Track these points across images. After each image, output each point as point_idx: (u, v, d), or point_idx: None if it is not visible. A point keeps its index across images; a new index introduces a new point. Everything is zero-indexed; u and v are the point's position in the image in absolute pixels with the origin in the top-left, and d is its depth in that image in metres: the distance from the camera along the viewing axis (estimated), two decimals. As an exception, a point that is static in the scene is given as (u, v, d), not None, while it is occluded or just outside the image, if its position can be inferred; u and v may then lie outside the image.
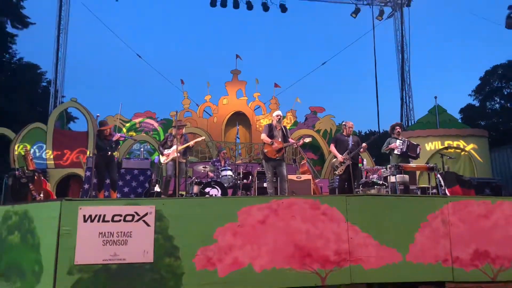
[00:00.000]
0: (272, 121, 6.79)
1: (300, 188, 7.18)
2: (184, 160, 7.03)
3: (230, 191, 8.06)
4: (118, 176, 7.34)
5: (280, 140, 6.53)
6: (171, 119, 14.24)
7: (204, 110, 15.25)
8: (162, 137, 13.37)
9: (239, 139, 15.30)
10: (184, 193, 8.06)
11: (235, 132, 14.64)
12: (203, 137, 7.49)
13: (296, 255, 4.47)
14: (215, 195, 7.42)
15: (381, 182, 6.98)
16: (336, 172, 6.83)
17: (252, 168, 8.84)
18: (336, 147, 6.91)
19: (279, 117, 6.63)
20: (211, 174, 8.38)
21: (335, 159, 6.88)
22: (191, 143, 7.02)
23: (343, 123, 7.17)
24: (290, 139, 6.75)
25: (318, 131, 14.87)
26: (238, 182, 7.92)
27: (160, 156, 7.06)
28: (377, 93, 15.60)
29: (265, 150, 6.50)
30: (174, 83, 16.56)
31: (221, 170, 8.10)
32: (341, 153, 6.76)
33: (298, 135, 14.44)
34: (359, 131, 25.21)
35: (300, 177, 7.40)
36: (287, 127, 9.47)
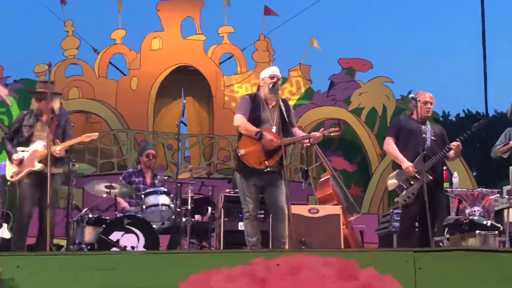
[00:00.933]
0: (259, 88, 6.91)
1: (318, 233, 7.29)
2: (60, 171, 7.07)
3: (164, 239, 8.14)
4: None
5: (275, 130, 6.64)
6: (36, 81, 13.78)
7: (110, 63, 15.15)
8: (13, 119, 12.81)
9: (186, 127, 15.29)
10: (64, 243, 8.07)
11: (177, 111, 14.38)
12: (95, 134, 7.33)
13: None
14: (134, 247, 7.50)
15: (489, 223, 7.14)
16: (399, 200, 6.95)
17: (214, 190, 8.95)
18: (398, 145, 7.04)
19: (274, 79, 6.72)
20: (123, 204, 8.47)
21: (396, 172, 6.98)
22: (75, 140, 7.04)
23: (411, 95, 7.26)
24: (295, 129, 6.85)
25: (357, 111, 14.99)
26: (184, 219, 8.03)
27: (7, 162, 7.07)
28: (484, 33, 15.70)
29: (242, 152, 6.57)
30: (43, 1, 16.37)
31: (146, 194, 8.19)
32: (410, 159, 6.87)
33: (314, 120, 14.61)
34: (444, 113, 25.34)
35: (317, 211, 7.53)
36: (291, 103, 9.38)
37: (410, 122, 7.06)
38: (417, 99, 7.02)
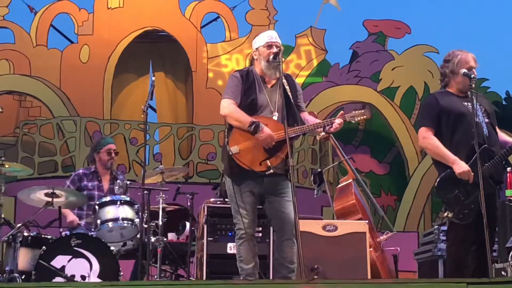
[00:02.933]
0: (252, 62, 6.99)
1: (336, 258, 7.37)
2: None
3: (127, 266, 8.27)
4: None
5: (277, 117, 6.72)
6: None
7: (51, 26, 15.30)
8: None
9: (156, 114, 15.42)
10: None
11: (144, 92, 14.70)
12: None
13: None
14: (85, 277, 7.59)
15: None
16: (451, 217, 6.71)
17: (194, 199, 9.01)
18: (441, 137, 6.77)
19: (273, 49, 6.75)
20: (71, 217, 8.57)
21: (446, 173, 6.76)
22: None
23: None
24: (305, 114, 6.92)
25: (389, 92, 15.15)
26: (153, 239, 8.16)
27: None
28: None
29: (234, 149, 6.62)
30: None
31: (102, 205, 8.28)
32: (463, 157, 6.64)
33: (330, 104, 14.70)
34: (508, 94, 25.24)
35: (335, 227, 7.60)
36: (299, 81, 9.30)
37: (452, 101, 6.70)
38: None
